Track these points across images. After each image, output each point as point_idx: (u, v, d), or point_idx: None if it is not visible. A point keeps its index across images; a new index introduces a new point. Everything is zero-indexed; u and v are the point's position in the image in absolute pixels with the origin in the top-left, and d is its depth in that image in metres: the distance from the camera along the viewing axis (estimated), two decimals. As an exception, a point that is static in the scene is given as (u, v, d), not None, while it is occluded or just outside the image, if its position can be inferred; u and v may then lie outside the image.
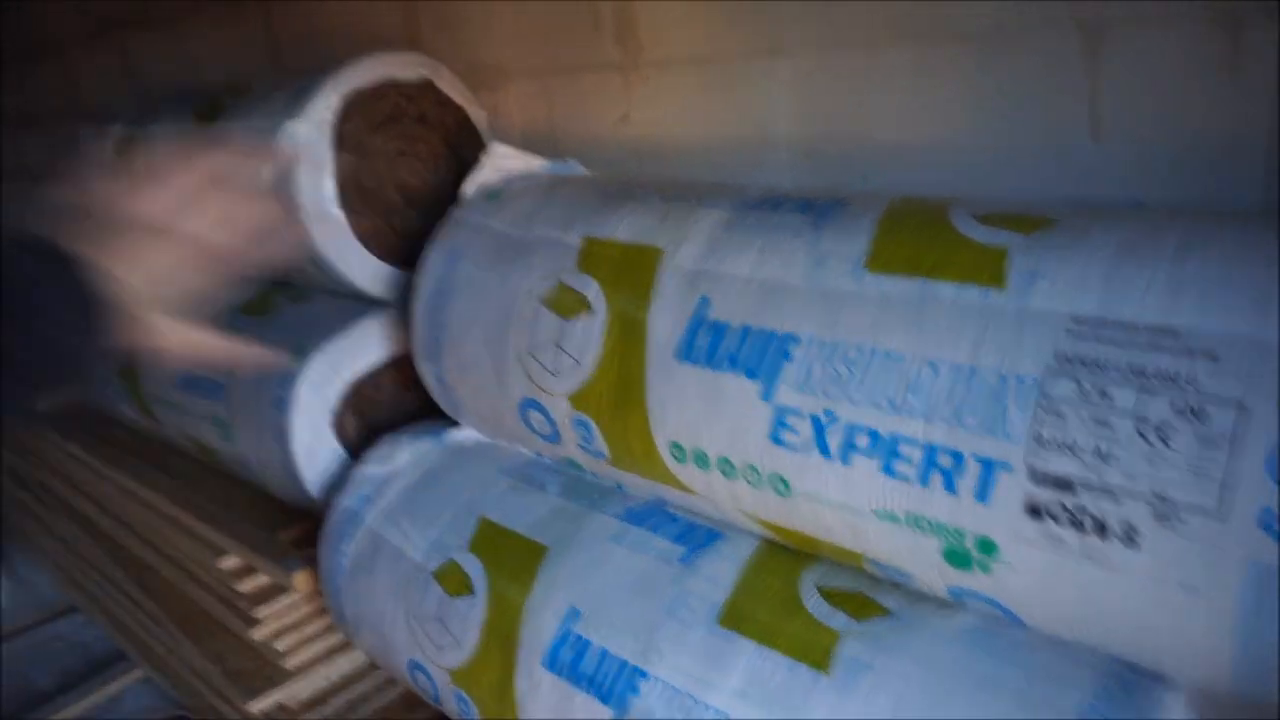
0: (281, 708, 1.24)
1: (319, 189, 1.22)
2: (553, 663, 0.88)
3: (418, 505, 1.10)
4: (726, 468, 0.81)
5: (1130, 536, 0.56)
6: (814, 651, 0.73)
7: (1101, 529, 0.57)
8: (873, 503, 0.70)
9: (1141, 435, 0.56)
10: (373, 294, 1.33)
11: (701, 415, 0.81)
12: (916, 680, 0.68)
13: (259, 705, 1.22)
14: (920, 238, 0.73)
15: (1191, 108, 0.79)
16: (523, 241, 1.01)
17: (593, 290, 0.91)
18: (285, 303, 1.45)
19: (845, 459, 0.71)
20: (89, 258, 0.65)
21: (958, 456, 0.63)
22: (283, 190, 1.23)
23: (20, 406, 0.82)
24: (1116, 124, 0.84)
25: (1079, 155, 0.87)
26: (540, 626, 0.91)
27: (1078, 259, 0.64)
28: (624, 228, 0.93)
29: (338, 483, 1.24)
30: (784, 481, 0.76)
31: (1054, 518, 0.59)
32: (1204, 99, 0.78)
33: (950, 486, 0.64)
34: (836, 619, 0.74)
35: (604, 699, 0.83)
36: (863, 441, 0.69)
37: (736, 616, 0.79)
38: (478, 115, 1.37)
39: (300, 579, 1.25)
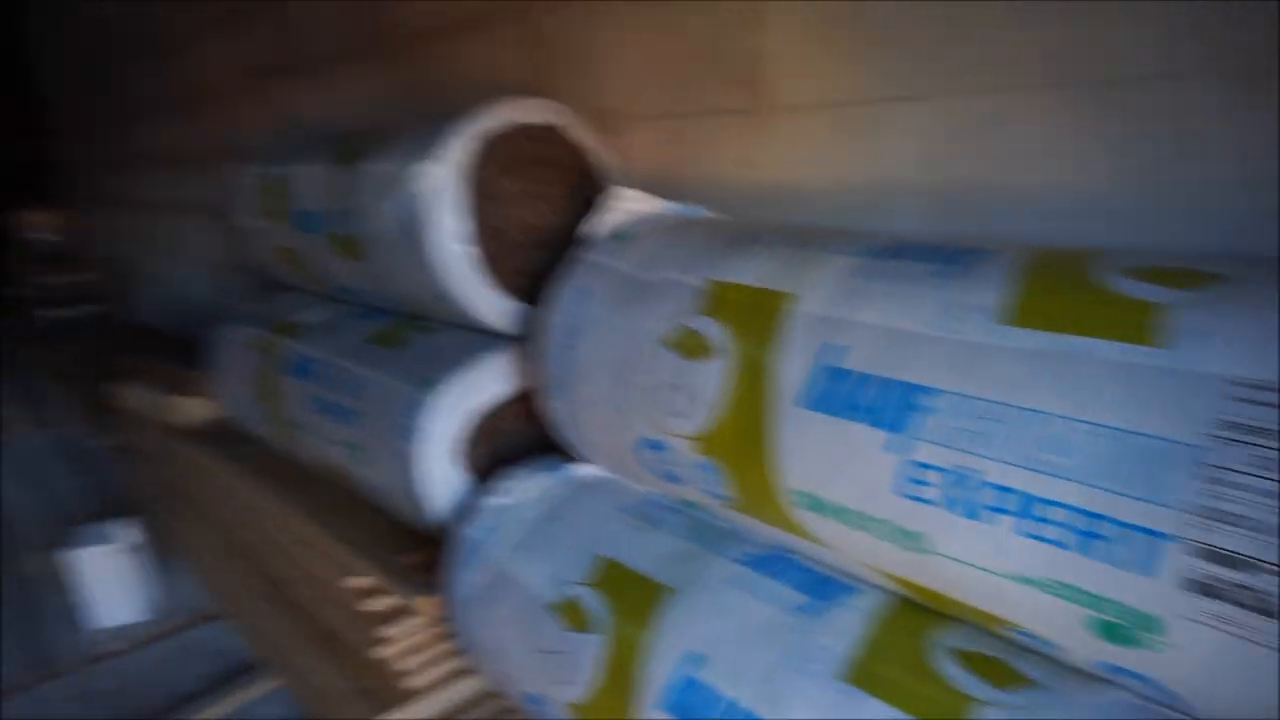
0: (404, 728, 1.28)
1: (450, 228, 1.27)
2: (671, 705, 0.88)
3: (539, 538, 1.12)
4: (852, 518, 0.79)
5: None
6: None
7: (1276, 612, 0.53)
8: (1012, 565, 0.67)
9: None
10: (497, 329, 1.37)
11: (828, 464, 0.80)
12: (1060, 757, 0.64)
13: (383, 724, 1.27)
14: (1063, 291, 0.70)
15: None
16: (648, 283, 1.02)
17: (718, 333, 0.91)
18: (414, 335, 1.51)
19: (982, 517, 0.68)
20: None
21: (1114, 523, 0.60)
22: (414, 229, 1.29)
23: None
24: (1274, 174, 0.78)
25: (1233, 206, 0.81)
26: (659, 668, 0.91)
27: (1242, 317, 0.60)
28: (750, 271, 0.93)
29: (461, 511, 1.28)
30: (913, 536, 0.74)
31: (1223, 597, 0.55)
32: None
33: (1104, 555, 0.60)
34: (976, 686, 0.71)
35: (724, 747, 0.82)
36: (1002, 500, 0.67)
37: (864, 674, 0.77)
38: (602, 158, 1.41)
39: (424, 602, 1.29)
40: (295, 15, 2.25)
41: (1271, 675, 0.54)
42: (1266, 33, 0.76)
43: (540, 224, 1.34)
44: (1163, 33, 0.82)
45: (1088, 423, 0.62)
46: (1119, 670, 0.65)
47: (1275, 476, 0.53)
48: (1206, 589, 0.56)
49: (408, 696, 1.30)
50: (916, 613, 0.82)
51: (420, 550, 1.42)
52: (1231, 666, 0.57)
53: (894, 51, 1.03)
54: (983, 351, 0.71)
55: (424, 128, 1.36)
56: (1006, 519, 0.66)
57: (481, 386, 1.33)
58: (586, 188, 1.38)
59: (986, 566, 0.69)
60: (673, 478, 1.00)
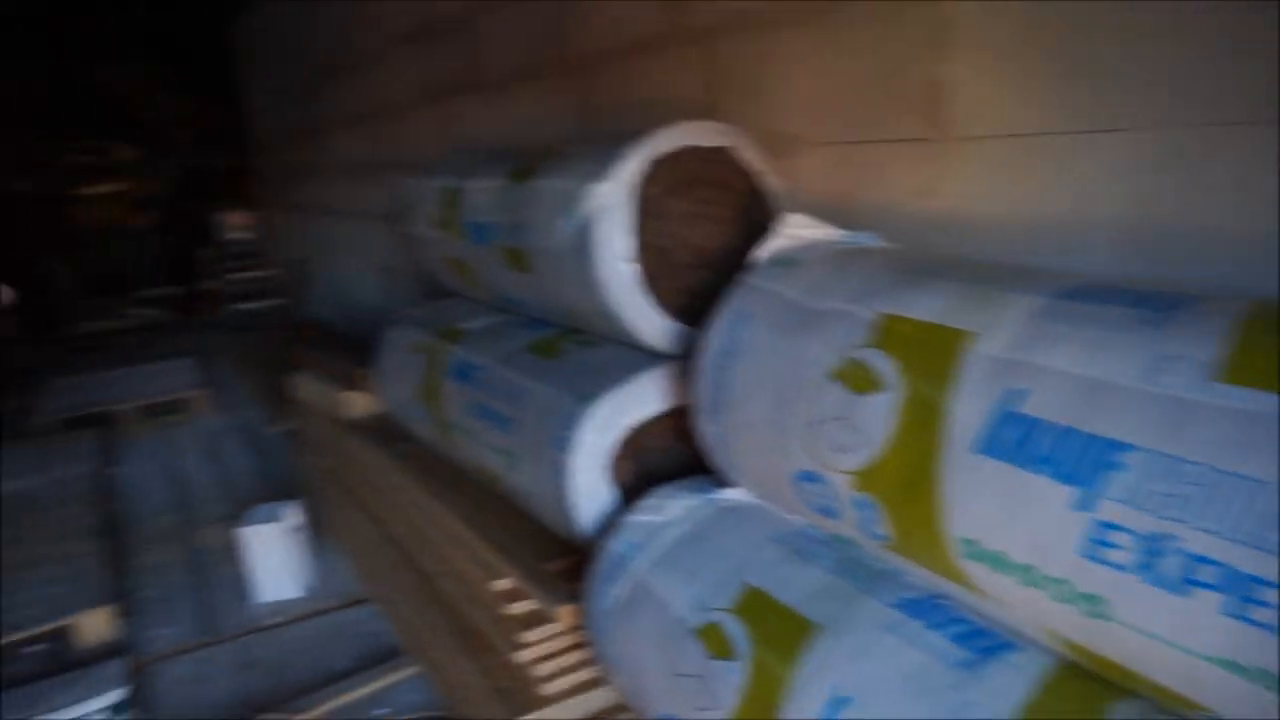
0: (537, 732, 1.31)
1: (617, 246, 1.30)
2: (813, 747, 0.86)
3: (685, 559, 1.12)
4: (1027, 575, 0.75)
5: None
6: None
7: None
8: (1212, 646, 0.61)
9: None
10: (654, 346, 1.38)
11: (1003, 514, 0.76)
12: None
13: (517, 726, 1.30)
14: (1291, 347, 0.64)
15: None
16: (815, 312, 1.01)
17: (888, 368, 0.89)
18: (573, 347, 1.55)
19: (1180, 590, 0.63)
20: None
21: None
22: (583, 245, 1.32)
23: None
24: None
25: None
26: (803, 706, 0.89)
27: None
28: (926, 306, 0.90)
29: (608, 525, 1.30)
30: (1097, 602, 0.69)
31: None
32: None
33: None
34: (1157, 771, 0.66)
35: (869, 799, 0.79)
36: (1205, 574, 0.61)
37: (1028, 741, 0.73)
38: (771, 182, 1.40)
39: (566, 611, 1.31)
40: (484, 34, 2.37)
41: None
42: None
43: (706, 245, 1.35)
44: None
45: (1315, 497, 0.57)
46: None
47: None
48: None
49: (541, 702, 1.33)
50: (1085, 680, 0.77)
51: (564, 558, 1.45)
52: None
53: (1093, 81, 0.97)
54: (1190, 408, 0.66)
55: (597, 147, 1.40)
56: (1208, 594, 0.61)
57: (635, 403, 1.35)
58: (754, 211, 1.38)
59: (1179, 643, 0.64)
60: (828, 512, 0.98)
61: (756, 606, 1.00)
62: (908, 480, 0.85)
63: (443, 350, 1.83)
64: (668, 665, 1.06)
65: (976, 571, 0.81)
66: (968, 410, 0.80)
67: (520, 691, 1.36)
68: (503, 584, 1.46)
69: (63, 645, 2.23)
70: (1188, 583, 0.62)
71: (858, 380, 0.91)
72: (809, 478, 0.97)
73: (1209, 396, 0.65)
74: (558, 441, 1.35)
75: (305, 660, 2.09)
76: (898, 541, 0.89)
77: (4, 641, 2.15)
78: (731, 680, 0.97)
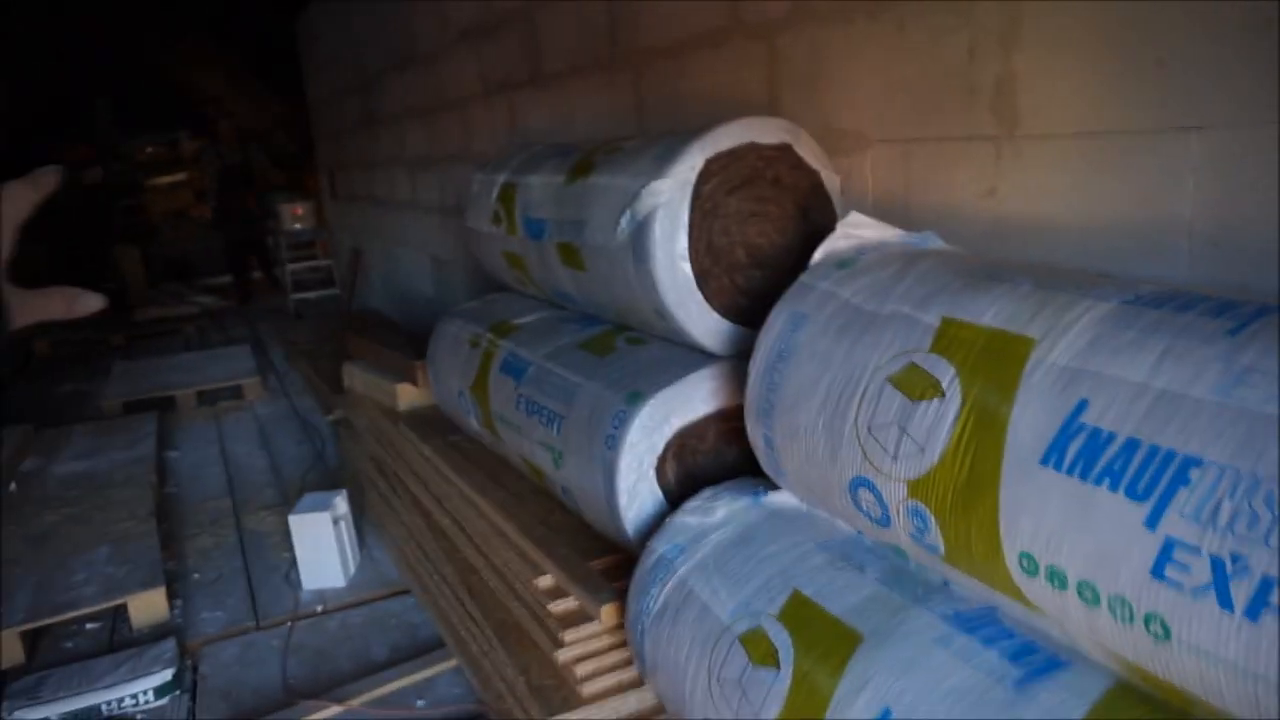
0: (574, 730, 1.30)
1: (673, 244, 1.29)
2: (857, 761, 0.84)
3: (730, 563, 1.11)
4: (1088, 593, 0.72)
5: None
6: (1188, 835, 0.62)
7: None
8: (1286, 675, 0.58)
9: None
10: (708, 347, 1.37)
11: (1064, 529, 0.73)
12: None
13: (555, 723, 1.29)
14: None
15: None
16: (874, 315, 0.98)
17: (948, 375, 0.86)
18: (624, 344, 1.54)
19: (1253, 615, 0.60)
20: None
21: None
22: (639, 243, 1.31)
23: None
24: None
25: None
26: (848, 716, 0.86)
27: None
28: (990, 312, 0.87)
29: (653, 525, 1.28)
30: (1162, 624, 0.66)
31: None
32: None
33: None
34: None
35: (914, 818, 0.77)
36: (1277, 598, 0.58)
37: (1084, 767, 0.70)
38: (831, 180, 1.38)
39: (608, 611, 1.30)
40: (543, 28, 2.38)
41: None
42: None
43: (763, 243, 1.33)
44: None
45: None
46: None
47: None
48: None
49: (580, 701, 1.32)
50: (1142, 702, 0.73)
51: (606, 556, 1.44)
52: None
53: (1172, 77, 0.93)
54: (1267, 424, 0.62)
55: (655, 144, 1.39)
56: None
57: (684, 404, 1.34)
58: (814, 210, 1.36)
59: (1247, 669, 0.60)
60: (880, 520, 0.95)
61: (802, 614, 0.98)
62: (964, 491, 0.82)
63: (494, 344, 1.84)
64: (709, 670, 1.04)
65: (1033, 586, 0.78)
66: (1030, 419, 0.77)
67: (559, 690, 1.35)
68: (545, 581, 1.46)
69: (118, 624, 2.29)
70: (1260, 604, 0.58)
71: (916, 386, 0.89)
72: (862, 483, 0.95)
73: (1292, 413, 0.61)
74: (608, 440, 1.34)
75: (346, 649, 2.11)
76: (951, 553, 0.87)
77: (66, 618, 2.22)
78: (774, 689, 0.95)
